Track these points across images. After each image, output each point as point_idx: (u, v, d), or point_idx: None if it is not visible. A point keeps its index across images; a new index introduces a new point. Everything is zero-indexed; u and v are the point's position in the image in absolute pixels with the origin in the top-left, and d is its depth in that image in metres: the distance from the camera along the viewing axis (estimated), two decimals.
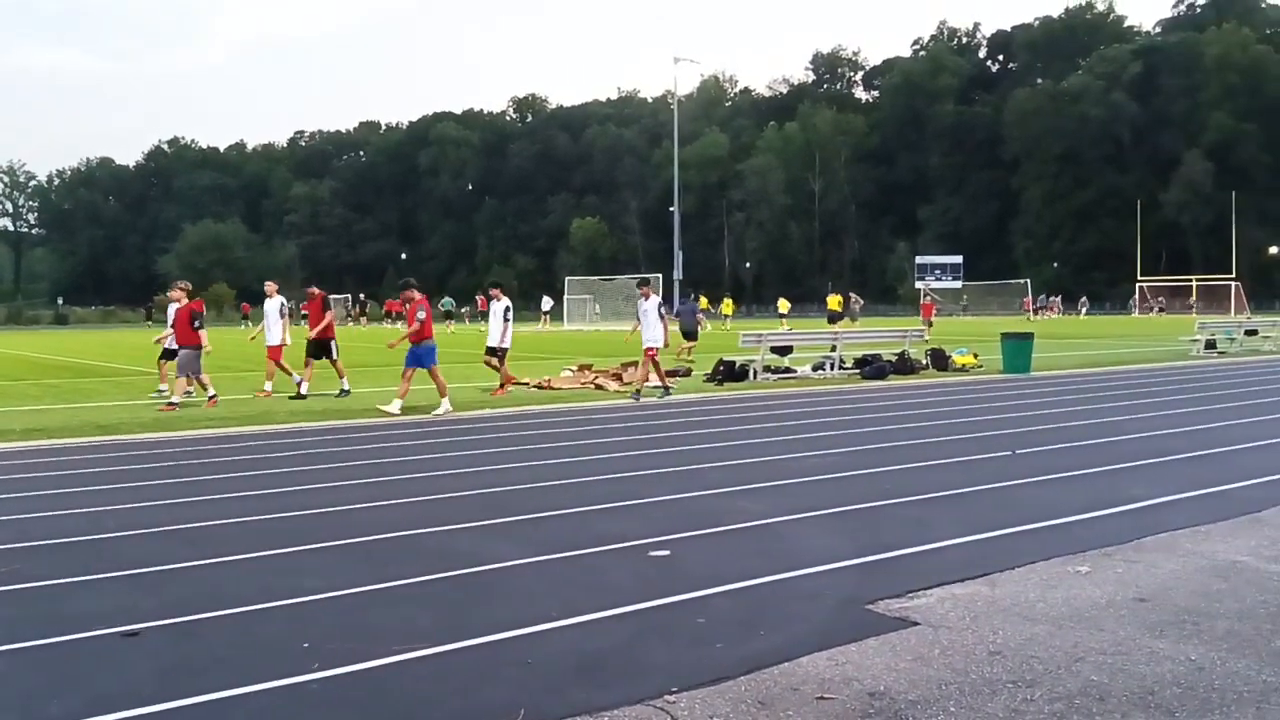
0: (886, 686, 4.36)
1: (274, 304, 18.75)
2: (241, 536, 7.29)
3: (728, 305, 65.14)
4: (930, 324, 37.10)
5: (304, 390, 17.54)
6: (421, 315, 15.59)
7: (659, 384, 17.71)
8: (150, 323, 69.43)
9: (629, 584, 5.94)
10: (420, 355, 15.62)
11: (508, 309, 18.33)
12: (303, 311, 20.14)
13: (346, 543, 7.07)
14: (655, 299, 18.05)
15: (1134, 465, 9.91)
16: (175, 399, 15.81)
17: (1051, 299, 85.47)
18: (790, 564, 6.29)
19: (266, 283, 19.47)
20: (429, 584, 6.03)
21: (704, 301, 57.89)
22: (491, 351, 18.28)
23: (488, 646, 4.92)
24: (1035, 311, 79.64)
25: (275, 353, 18.35)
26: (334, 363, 18.14)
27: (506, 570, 6.32)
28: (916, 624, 5.16)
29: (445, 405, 15.22)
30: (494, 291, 18.86)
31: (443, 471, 10.05)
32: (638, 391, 17.32)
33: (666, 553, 6.66)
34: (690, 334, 28.51)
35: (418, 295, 15.98)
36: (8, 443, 12.27)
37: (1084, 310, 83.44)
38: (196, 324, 16.11)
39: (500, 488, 9.13)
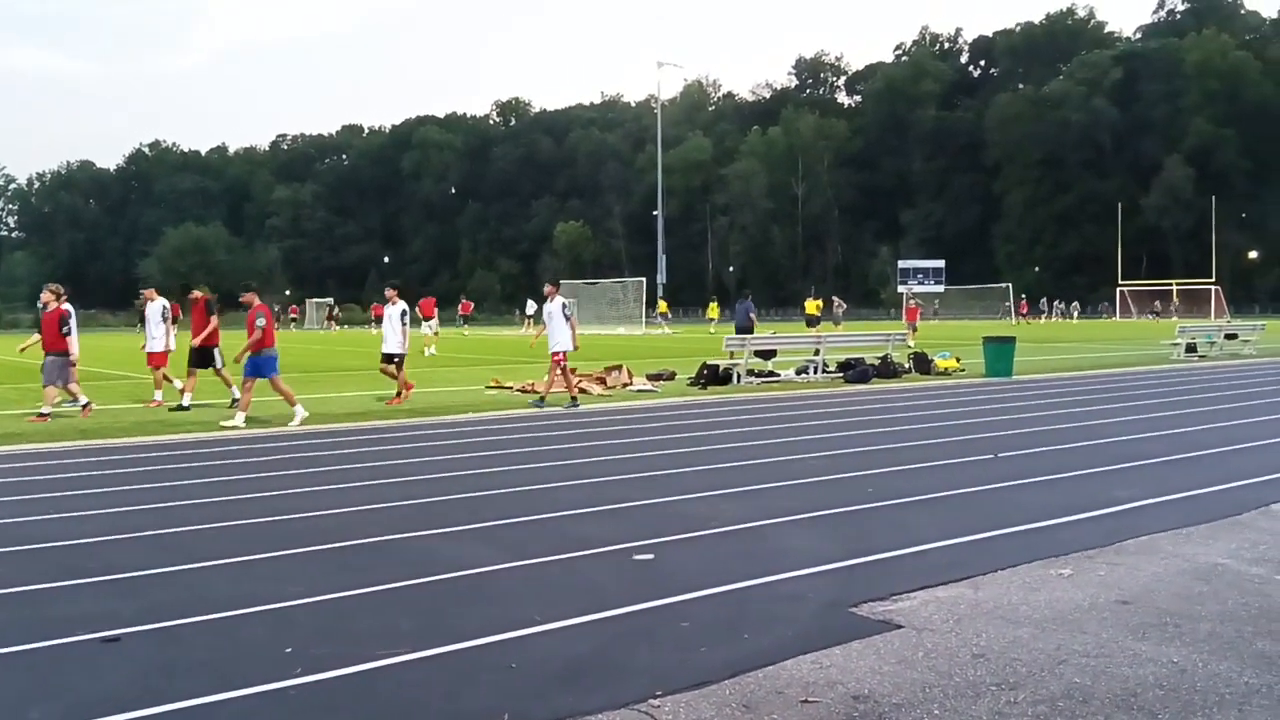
0: (870, 689, 4.36)
1: (155, 308, 17.73)
2: (222, 541, 7.25)
3: (713, 309, 65.00)
4: (914, 328, 37.20)
5: (186, 401, 16.35)
6: (261, 323, 14.69)
7: (572, 393, 16.69)
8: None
9: (613, 588, 5.94)
10: (259, 365, 14.68)
11: (404, 313, 17.61)
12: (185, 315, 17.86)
13: (328, 547, 7.04)
14: (560, 300, 17.14)
15: (1115, 468, 9.95)
16: (45, 409, 15.08)
17: (1056, 303, 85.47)
18: (774, 567, 6.29)
19: (144, 289, 18.56)
20: (411, 589, 6.01)
21: (810, 305, 57.88)
22: (388, 359, 17.46)
23: (471, 651, 4.90)
24: (1036, 315, 79.95)
25: (157, 360, 17.35)
26: (218, 371, 16.93)
27: (489, 575, 6.30)
28: (900, 627, 5.17)
29: (300, 413, 14.46)
30: (389, 294, 17.93)
31: (423, 476, 10.02)
32: (541, 399, 16.64)
33: (650, 556, 6.65)
34: (744, 330, 29.13)
35: (257, 301, 15.08)
36: None
37: (1075, 314, 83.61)
38: (65, 330, 15.36)
39: (482, 492, 9.10)
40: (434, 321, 38.27)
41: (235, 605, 5.64)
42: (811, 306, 57.66)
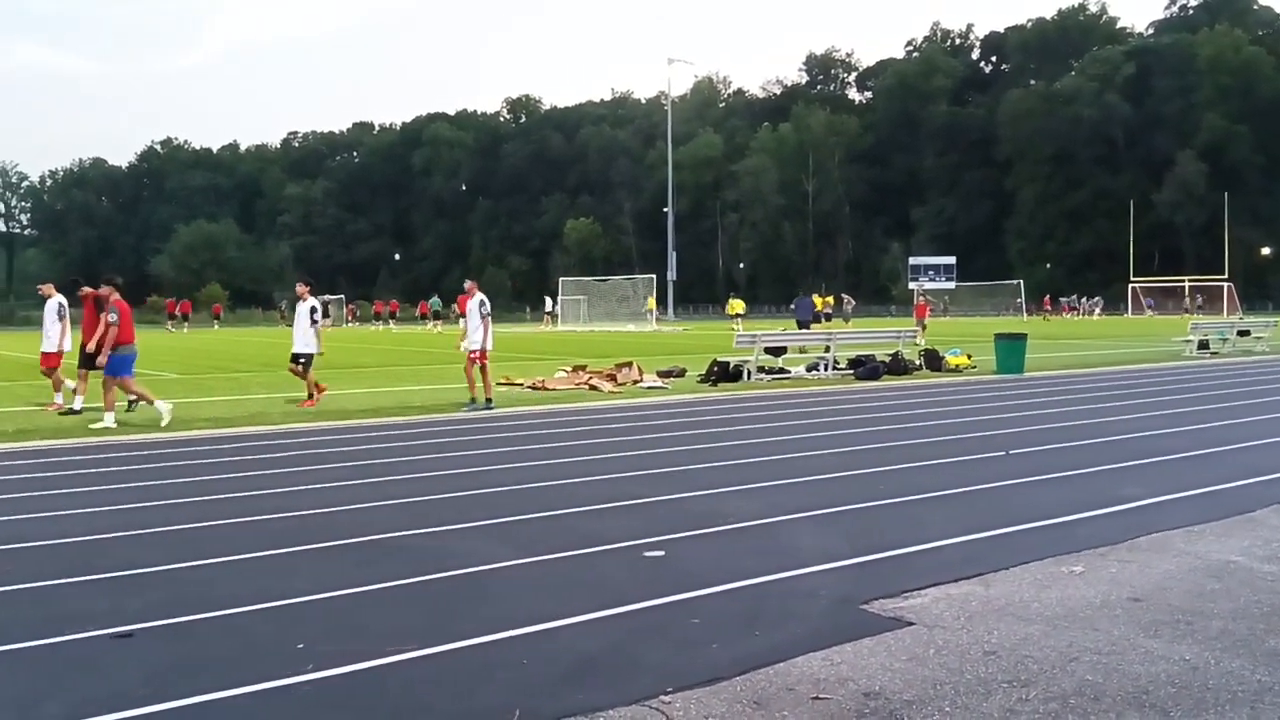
0: (882, 686, 4.36)
1: (51, 306, 16.48)
2: (234, 538, 7.27)
3: (738, 305, 63.78)
4: (924, 325, 37.16)
5: (78, 405, 15.43)
6: (113, 318, 13.96)
7: (473, 394, 15.92)
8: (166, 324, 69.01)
9: (624, 584, 5.94)
10: (113, 364, 13.99)
11: (314, 309, 16.73)
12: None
13: (339, 544, 7.06)
14: (479, 298, 16.12)
15: (1128, 465, 9.92)
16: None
17: (1089, 300, 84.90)
18: (785, 564, 6.28)
19: (42, 285, 17.26)
20: (422, 585, 6.02)
21: (818, 301, 57.91)
22: (296, 359, 16.61)
23: (482, 647, 4.91)
24: (1058, 312, 79.58)
25: (50, 360, 16.18)
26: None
27: (500, 571, 6.30)
28: (912, 624, 5.16)
29: (163, 409, 14.03)
30: (300, 290, 17.06)
31: (435, 473, 10.04)
32: (474, 401, 15.85)
33: (661, 553, 6.65)
34: (805, 325, 30.99)
35: (116, 295, 14.33)
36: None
37: (1098, 310, 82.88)
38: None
39: (494, 488, 9.11)
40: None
41: (247, 602, 5.66)
42: (818, 303, 57.47)
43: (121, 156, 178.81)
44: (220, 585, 6.08)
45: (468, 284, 16.81)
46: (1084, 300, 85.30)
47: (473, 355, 15.84)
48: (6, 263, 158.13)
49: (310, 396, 16.39)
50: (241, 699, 4.32)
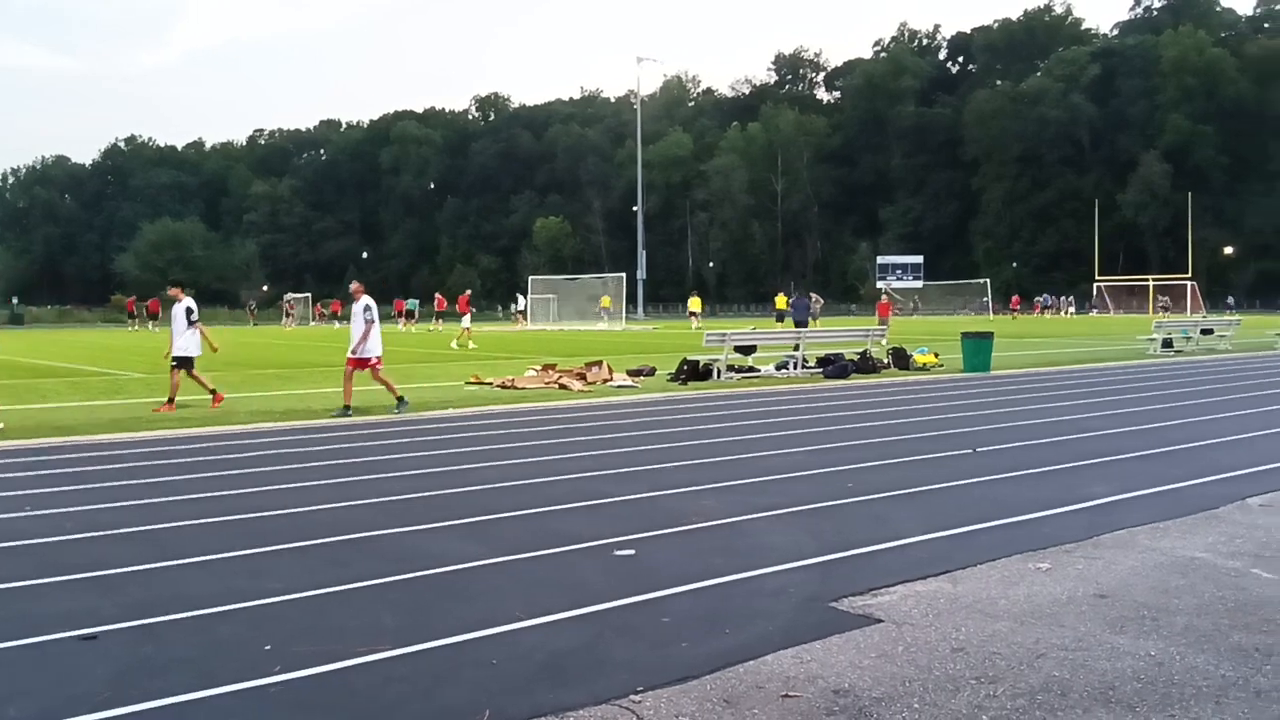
0: (851, 684, 4.38)
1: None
2: (202, 538, 7.21)
3: (695, 302, 63.96)
4: (886, 324, 37.39)
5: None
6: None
7: (346, 403, 15.09)
8: (131, 322, 67.92)
9: (594, 583, 5.94)
10: None
11: (190, 310, 15.85)
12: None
13: (308, 544, 7.01)
14: (365, 300, 15.30)
15: (1093, 463, 10.01)
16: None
17: (1064, 299, 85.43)
18: (754, 562, 6.30)
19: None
20: (392, 585, 5.99)
21: (781, 300, 58.31)
22: (179, 362, 15.75)
23: (452, 647, 4.89)
24: (1039, 310, 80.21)
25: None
26: None
27: (470, 571, 6.29)
28: (880, 621, 5.19)
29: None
30: (173, 291, 16.24)
31: (404, 472, 9.99)
32: (401, 400, 15.26)
33: (631, 552, 6.66)
34: (802, 324, 32.29)
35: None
36: None
37: (1070, 310, 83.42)
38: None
39: (463, 488, 9.09)
40: (468, 317, 38.67)
41: (214, 602, 5.61)
42: (781, 301, 57.78)
43: (85, 154, 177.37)
44: (188, 586, 6.03)
45: (353, 286, 15.93)
46: (1061, 299, 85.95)
47: (372, 361, 15.11)
48: None
49: (169, 401, 15.42)
50: (208, 701, 4.29)
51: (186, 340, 15.79)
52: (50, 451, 11.64)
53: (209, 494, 8.94)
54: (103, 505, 8.46)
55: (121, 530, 7.51)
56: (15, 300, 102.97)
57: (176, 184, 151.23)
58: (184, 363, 15.75)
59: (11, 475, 10.09)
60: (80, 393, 18.78)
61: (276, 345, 39.64)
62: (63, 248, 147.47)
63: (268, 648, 4.87)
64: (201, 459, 11.00)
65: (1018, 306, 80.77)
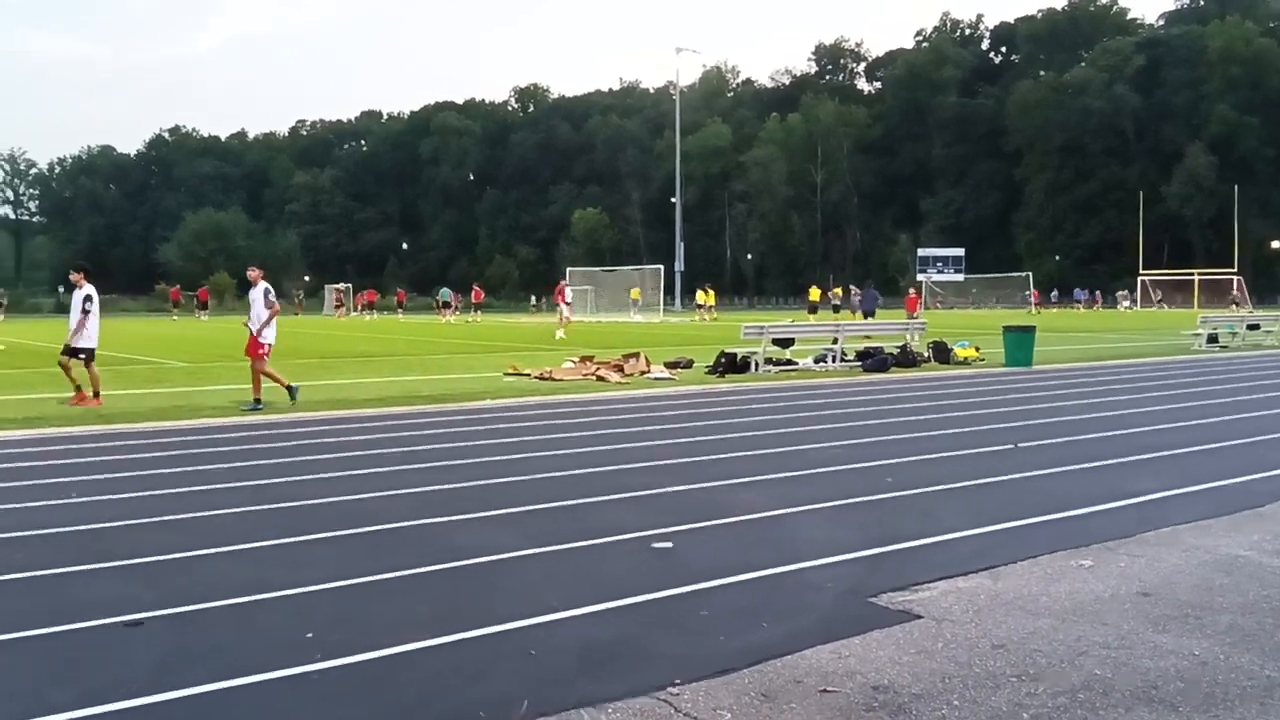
0: (890, 679, 4.35)
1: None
2: (241, 526, 7.29)
3: (707, 295, 61.69)
4: (914, 318, 37.20)
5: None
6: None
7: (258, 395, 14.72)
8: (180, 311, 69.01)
9: (631, 575, 5.94)
10: None
11: (88, 298, 15.22)
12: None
13: (347, 533, 7.07)
14: (264, 285, 14.98)
15: (1136, 459, 9.90)
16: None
17: (1121, 293, 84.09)
18: (793, 556, 6.28)
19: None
20: (431, 575, 6.03)
21: (814, 292, 58.33)
22: (74, 353, 14.97)
23: (490, 638, 4.92)
24: (1089, 305, 78.90)
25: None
26: None
27: (508, 561, 6.31)
28: (920, 617, 5.16)
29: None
30: (74, 277, 15.56)
31: (443, 463, 10.05)
32: (258, 402, 14.56)
33: (669, 544, 6.66)
34: (870, 314, 34.05)
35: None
36: (8, 431, 12.26)
37: (1127, 304, 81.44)
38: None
39: (500, 479, 9.12)
40: (566, 307, 38.66)
41: (255, 590, 5.67)
42: (815, 294, 57.55)
43: (130, 144, 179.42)
44: (229, 574, 6.09)
45: (251, 272, 15.33)
46: (1099, 294, 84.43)
47: (263, 350, 14.72)
48: (15, 250, 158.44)
49: (95, 395, 14.94)
50: (251, 687, 4.33)
51: (87, 330, 15.08)
52: (94, 439, 11.80)
53: (248, 482, 9.03)
54: (145, 493, 8.56)
55: (164, 518, 7.60)
56: (61, 289, 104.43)
57: (219, 174, 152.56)
58: (79, 352, 15.00)
59: (57, 462, 10.24)
60: (124, 381, 19.02)
61: (329, 335, 39.97)
62: (107, 237, 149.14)
63: (309, 635, 4.91)
64: (241, 448, 11.10)
65: (1037, 300, 78.86)
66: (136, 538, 6.97)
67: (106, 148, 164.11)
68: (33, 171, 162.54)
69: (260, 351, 14.73)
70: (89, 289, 15.39)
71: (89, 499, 8.32)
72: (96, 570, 6.18)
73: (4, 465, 10.05)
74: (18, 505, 8.12)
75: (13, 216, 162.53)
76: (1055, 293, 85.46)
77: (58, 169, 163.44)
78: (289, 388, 14.95)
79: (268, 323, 14.85)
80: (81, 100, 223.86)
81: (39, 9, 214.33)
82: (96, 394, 14.99)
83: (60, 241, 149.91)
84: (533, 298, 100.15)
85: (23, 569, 6.16)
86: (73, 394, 15.00)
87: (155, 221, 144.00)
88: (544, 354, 25.43)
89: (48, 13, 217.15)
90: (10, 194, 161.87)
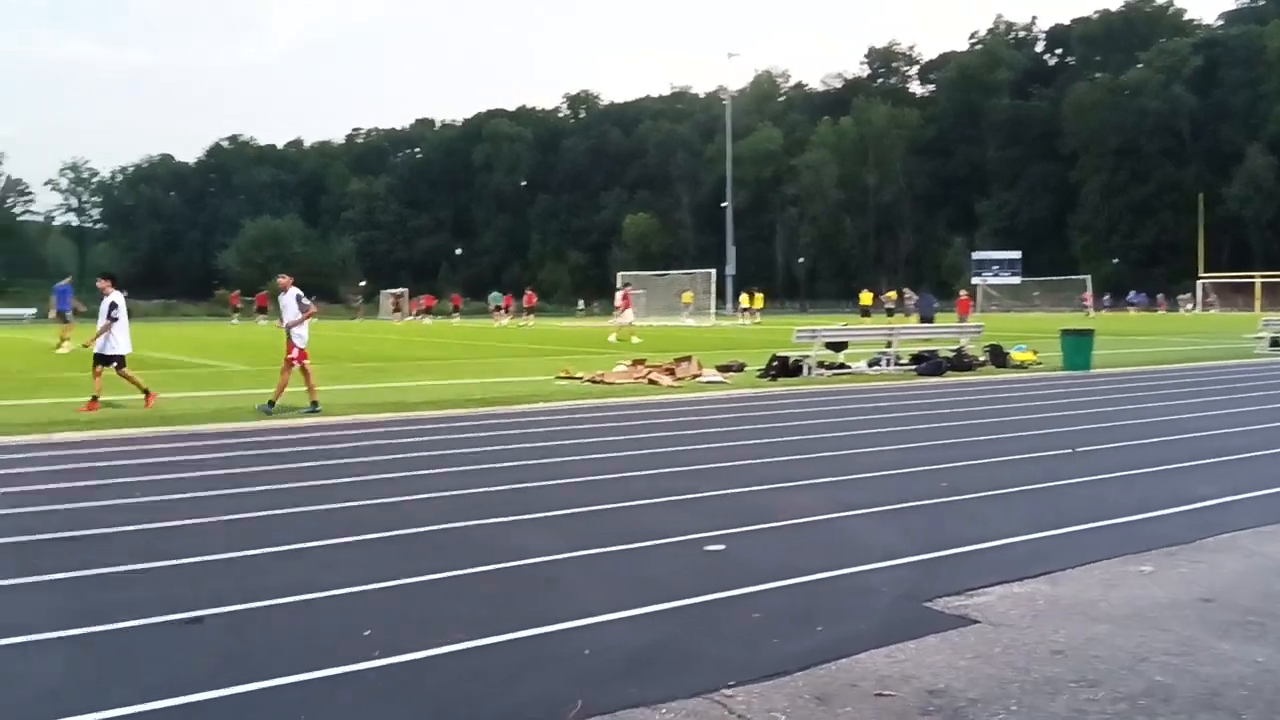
0: (946, 684, 4.32)
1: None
2: (300, 527, 7.38)
3: (754, 299, 61.74)
4: (965, 321, 36.83)
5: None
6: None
7: (313, 396, 14.75)
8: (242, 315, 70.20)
9: (684, 578, 5.94)
10: None
11: (114, 305, 15.22)
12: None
13: (402, 533, 7.14)
14: (295, 291, 15.05)
15: (1197, 464, 9.74)
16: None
17: (1182, 295, 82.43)
18: (847, 560, 6.25)
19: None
20: (485, 576, 6.07)
21: (865, 296, 58.08)
22: (107, 360, 15.11)
23: (545, 637, 4.95)
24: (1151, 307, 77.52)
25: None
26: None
27: (561, 563, 6.34)
28: (976, 622, 5.12)
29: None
30: (101, 284, 15.61)
31: (495, 465, 10.10)
32: (273, 404, 14.59)
33: (721, 547, 6.65)
34: (928, 320, 33.85)
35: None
36: (73, 433, 12.51)
37: (1190, 306, 79.86)
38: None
39: (553, 481, 9.16)
40: (629, 312, 38.63)
41: (313, 589, 5.74)
42: (866, 297, 57.18)
43: (189, 153, 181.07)
44: (288, 573, 6.18)
45: (281, 279, 15.51)
46: (1159, 296, 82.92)
47: (297, 355, 14.77)
48: (78, 257, 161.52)
49: (94, 399, 14.76)
50: (309, 683, 4.39)
51: (117, 336, 15.20)
52: (156, 441, 12.01)
53: (306, 484, 9.14)
54: (205, 493, 8.70)
55: (223, 518, 7.71)
56: (123, 294, 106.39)
57: (276, 182, 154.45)
58: (112, 360, 15.15)
59: (122, 463, 10.43)
60: (186, 384, 19.33)
61: (384, 340, 40.38)
62: (167, 244, 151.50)
63: (366, 633, 4.97)
64: (301, 450, 11.25)
65: (1089, 302, 77.44)
66: (198, 537, 7.09)
67: (166, 156, 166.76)
68: (95, 180, 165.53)
69: (291, 354, 14.80)
70: (115, 296, 15.42)
71: (152, 499, 8.47)
72: (158, 568, 6.30)
73: (70, 466, 10.26)
74: (83, 505, 8.29)
75: (76, 224, 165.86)
76: (1108, 296, 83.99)
77: (119, 177, 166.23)
78: (313, 404, 14.68)
79: (299, 323, 14.92)
80: (142, 110, 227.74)
81: (102, 22, 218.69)
82: (94, 398, 14.80)
83: (122, 248, 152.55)
84: (580, 302, 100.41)
85: (88, 567, 6.29)
86: (143, 396, 15.16)
87: (214, 228, 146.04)
88: (595, 358, 25.48)
89: (109, 25, 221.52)
90: (74, 202, 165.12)
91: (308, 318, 15.13)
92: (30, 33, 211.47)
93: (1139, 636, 4.89)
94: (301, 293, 15.26)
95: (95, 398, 14.82)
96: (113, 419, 13.82)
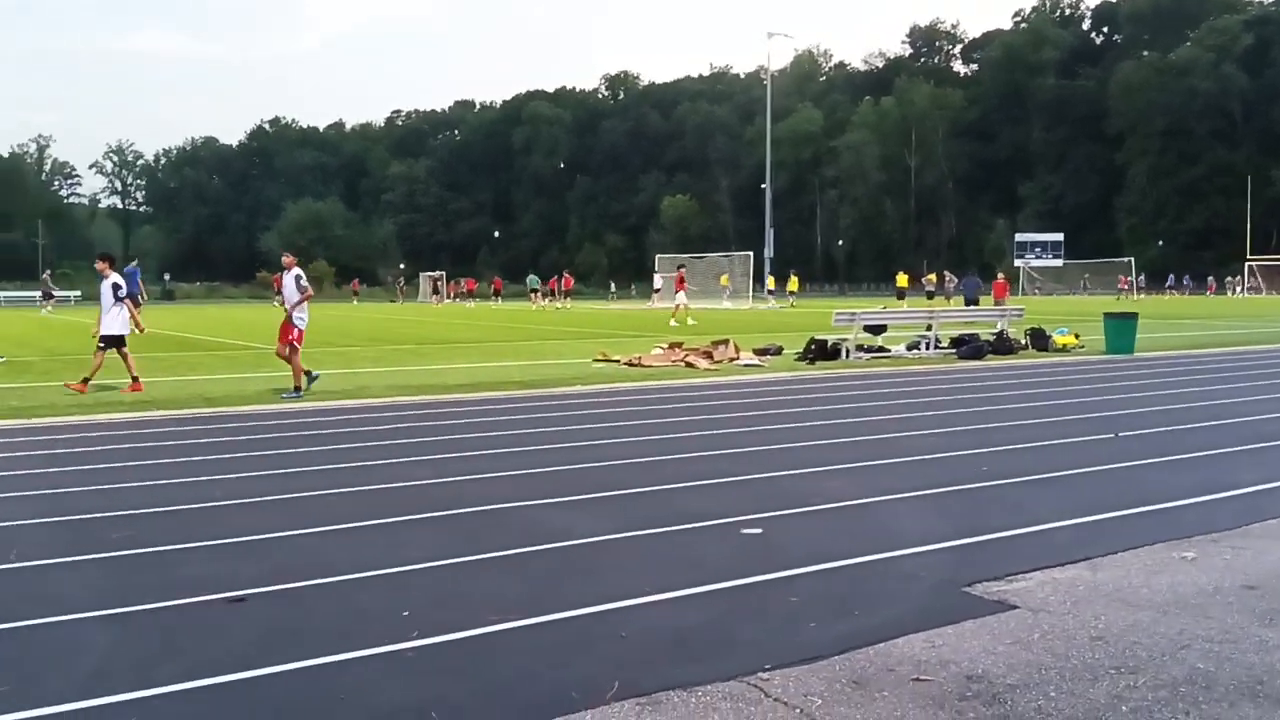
0: (985, 669, 4.30)
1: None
2: (340, 507, 7.45)
3: (789, 281, 63.09)
4: (1001, 304, 36.47)
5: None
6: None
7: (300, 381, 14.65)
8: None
9: (721, 561, 5.94)
10: None
11: (116, 286, 15.21)
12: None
13: (442, 515, 7.19)
14: (297, 271, 15.06)
15: (1242, 449, 9.61)
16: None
17: (1233, 278, 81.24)
18: (885, 544, 6.23)
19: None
20: (524, 557, 6.10)
21: (901, 278, 58.04)
22: (110, 341, 15.15)
23: (582, 619, 4.97)
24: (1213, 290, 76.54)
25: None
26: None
27: (599, 545, 6.36)
28: (1015, 607, 5.08)
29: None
30: (100, 265, 15.54)
31: (535, 447, 10.15)
32: (299, 389, 14.54)
33: (759, 531, 6.64)
34: (973, 302, 33.69)
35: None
36: (117, 414, 12.69)
37: (1238, 290, 78.59)
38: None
39: (591, 464, 9.19)
40: (683, 294, 38.53)
41: (354, 569, 5.80)
42: (902, 279, 56.96)
43: (232, 135, 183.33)
44: (328, 553, 6.25)
45: (286, 258, 15.38)
46: (1229, 281, 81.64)
47: (293, 336, 14.68)
48: (123, 239, 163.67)
49: (84, 381, 14.78)
50: (349, 663, 4.44)
51: (115, 317, 15.15)
52: (200, 422, 12.15)
53: (347, 465, 9.22)
54: (248, 474, 8.81)
55: (266, 498, 7.81)
56: (167, 277, 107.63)
57: (318, 165, 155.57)
58: (113, 340, 15.19)
59: (164, 444, 10.57)
60: (228, 366, 19.54)
61: (422, 322, 40.61)
62: (211, 227, 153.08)
63: (406, 614, 5.01)
64: (341, 431, 11.35)
65: (1125, 286, 77.12)
66: (240, 517, 7.17)
67: (210, 139, 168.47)
68: (139, 163, 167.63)
69: (291, 336, 14.69)
70: (115, 277, 15.34)
71: (195, 479, 8.57)
72: (202, 548, 6.38)
73: (114, 447, 10.41)
74: (127, 485, 8.42)
75: (120, 206, 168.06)
76: (1141, 277, 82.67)
77: (163, 160, 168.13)
78: (307, 373, 14.74)
79: (298, 305, 14.86)
80: (186, 93, 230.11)
81: (145, 6, 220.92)
82: (86, 380, 14.77)
83: (166, 231, 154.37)
84: (612, 285, 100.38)
85: (132, 546, 6.39)
86: (130, 381, 15.02)
87: (257, 211, 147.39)
88: (632, 340, 25.49)
89: (153, 9, 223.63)
90: (118, 184, 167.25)
91: (305, 299, 14.97)
92: (75, 19, 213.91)
93: (1181, 623, 4.84)
94: (301, 273, 15.14)
95: (87, 379, 14.77)
96: (154, 400, 13.98)
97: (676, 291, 38.40)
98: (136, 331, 15.89)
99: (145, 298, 33.27)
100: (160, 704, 4.06)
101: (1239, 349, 22.70)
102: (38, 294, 60.33)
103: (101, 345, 15.12)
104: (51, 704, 4.03)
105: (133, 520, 7.13)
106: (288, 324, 14.82)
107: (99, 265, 15.66)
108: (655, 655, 4.50)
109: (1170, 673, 4.24)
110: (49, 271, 69.02)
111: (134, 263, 35.98)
